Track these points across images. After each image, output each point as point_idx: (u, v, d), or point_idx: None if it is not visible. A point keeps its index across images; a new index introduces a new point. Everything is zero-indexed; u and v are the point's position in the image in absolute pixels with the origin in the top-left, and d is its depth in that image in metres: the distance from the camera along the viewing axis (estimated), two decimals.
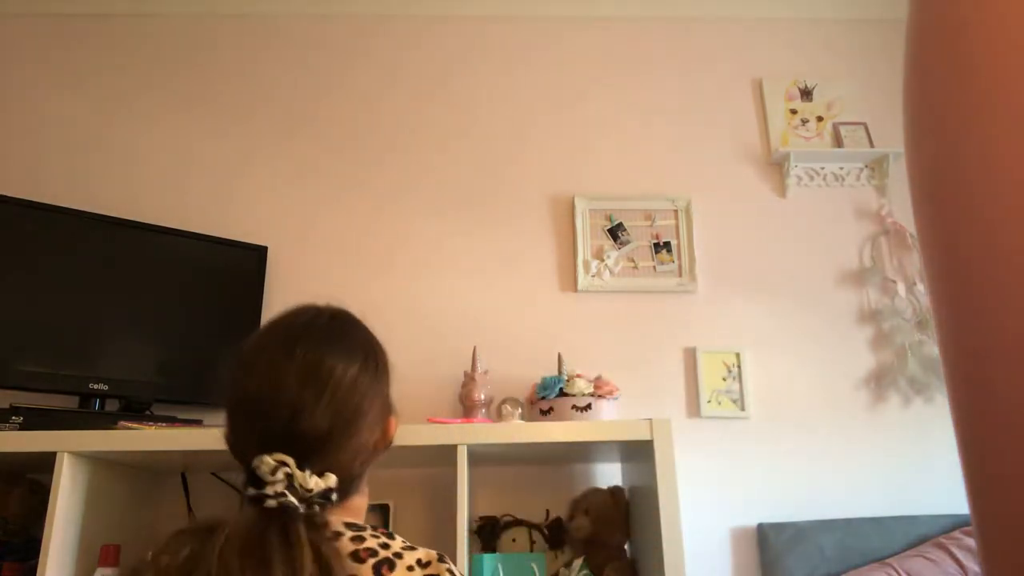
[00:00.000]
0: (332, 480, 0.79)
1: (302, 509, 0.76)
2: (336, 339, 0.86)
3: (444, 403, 1.92)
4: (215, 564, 0.69)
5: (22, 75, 2.20)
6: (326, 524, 0.78)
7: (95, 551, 1.47)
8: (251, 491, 0.76)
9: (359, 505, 0.90)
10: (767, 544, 1.84)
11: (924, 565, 1.72)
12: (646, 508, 1.57)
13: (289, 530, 0.72)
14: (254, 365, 0.83)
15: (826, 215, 2.19)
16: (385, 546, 0.81)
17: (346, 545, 0.79)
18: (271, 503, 0.74)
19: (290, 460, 0.76)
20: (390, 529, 1.58)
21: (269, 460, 0.76)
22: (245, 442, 0.79)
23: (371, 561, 0.79)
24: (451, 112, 2.24)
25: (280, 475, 0.75)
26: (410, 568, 0.80)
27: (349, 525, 0.83)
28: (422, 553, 0.83)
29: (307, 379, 0.81)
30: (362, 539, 0.81)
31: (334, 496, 0.79)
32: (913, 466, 1.97)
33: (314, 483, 0.77)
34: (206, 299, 1.87)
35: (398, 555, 0.81)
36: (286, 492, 0.75)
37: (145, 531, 1.72)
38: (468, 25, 2.33)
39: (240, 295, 1.91)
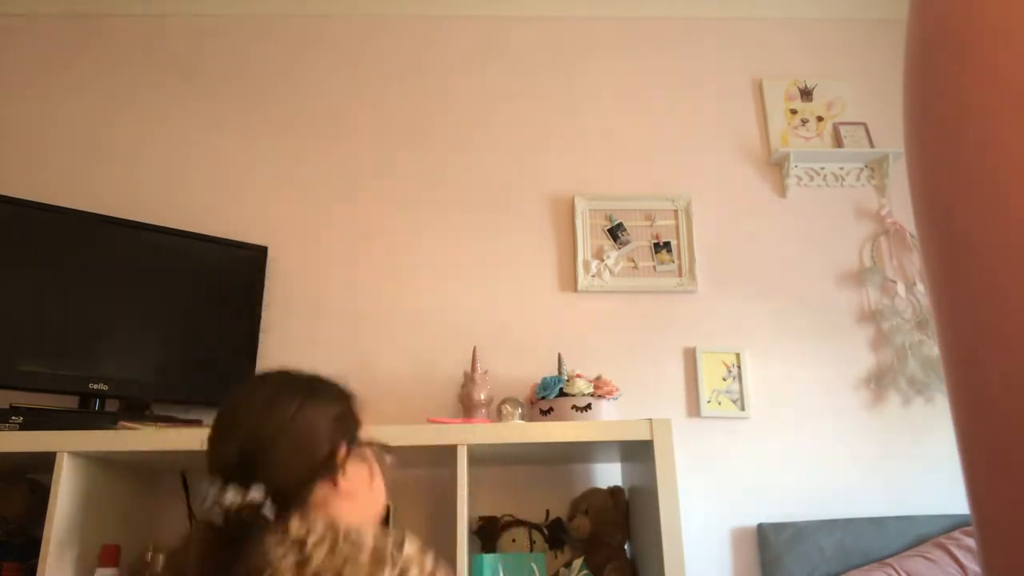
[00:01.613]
0: (255, 495, 0.86)
1: (229, 519, 0.86)
2: (250, 384, 0.99)
3: (444, 403, 1.92)
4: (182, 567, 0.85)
5: (22, 75, 2.20)
6: (268, 531, 0.86)
7: (95, 551, 1.47)
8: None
9: (311, 516, 0.89)
10: (767, 544, 1.84)
11: (924, 565, 1.72)
12: (646, 508, 1.57)
13: (239, 539, 0.84)
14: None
15: (826, 215, 2.19)
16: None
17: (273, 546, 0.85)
18: (215, 518, 0.87)
19: (217, 481, 0.88)
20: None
21: (207, 484, 0.89)
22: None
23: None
24: (451, 112, 2.24)
25: (211, 493, 0.87)
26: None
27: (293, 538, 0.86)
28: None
29: (220, 417, 0.95)
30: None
31: (266, 510, 0.86)
32: (913, 466, 1.97)
33: (231, 497, 0.86)
34: (206, 299, 1.87)
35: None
36: (219, 508, 0.86)
37: (145, 531, 1.72)
38: (469, 25, 2.33)
39: (240, 295, 1.91)
